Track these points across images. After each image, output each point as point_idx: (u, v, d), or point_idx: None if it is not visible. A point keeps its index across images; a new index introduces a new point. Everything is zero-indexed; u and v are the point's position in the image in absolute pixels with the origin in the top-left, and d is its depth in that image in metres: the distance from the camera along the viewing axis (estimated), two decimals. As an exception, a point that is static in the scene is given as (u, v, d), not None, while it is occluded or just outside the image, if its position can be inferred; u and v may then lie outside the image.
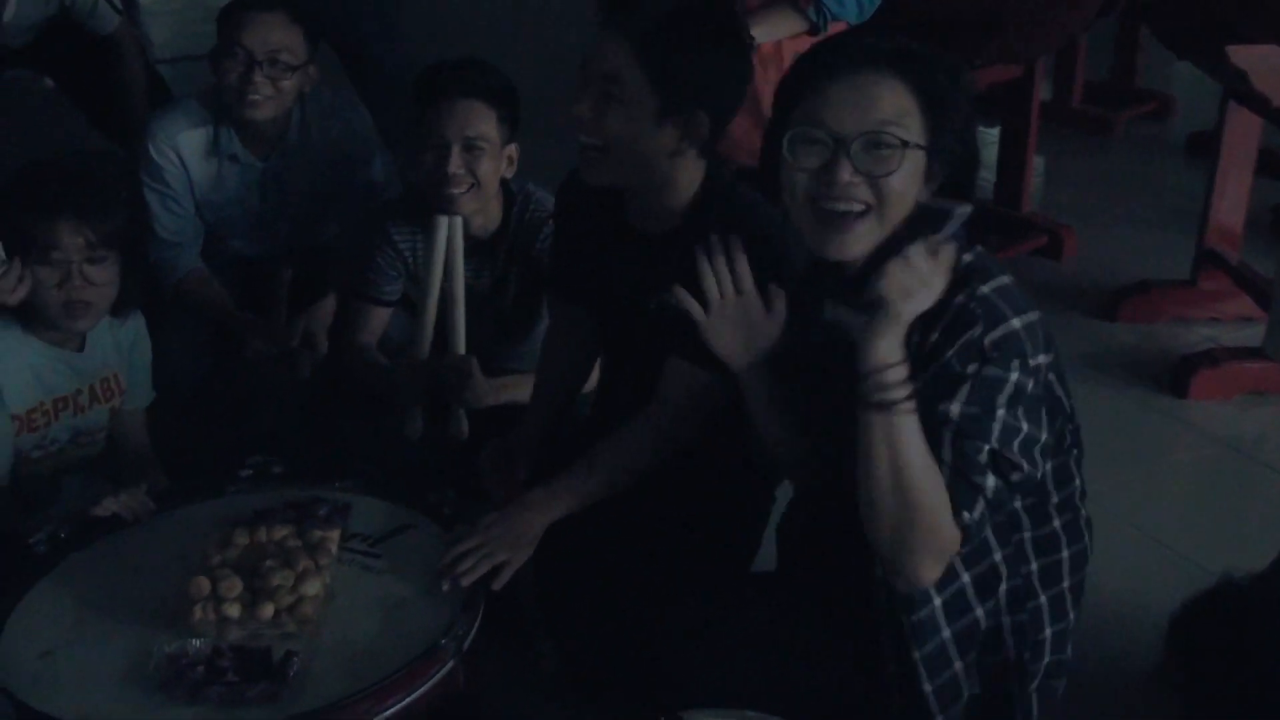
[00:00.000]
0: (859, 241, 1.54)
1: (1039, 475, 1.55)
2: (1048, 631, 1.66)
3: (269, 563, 1.75)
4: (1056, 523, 1.66)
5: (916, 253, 1.47)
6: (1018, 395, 1.48)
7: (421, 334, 2.47)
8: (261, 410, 2.64)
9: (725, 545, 2.04)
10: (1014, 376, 1.47)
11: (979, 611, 1.60)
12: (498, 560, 1.79)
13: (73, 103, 3.68)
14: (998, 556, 1.60)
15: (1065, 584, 1.68)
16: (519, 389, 2.38)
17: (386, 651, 1.65)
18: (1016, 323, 1.48)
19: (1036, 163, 4.30)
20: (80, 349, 2.30)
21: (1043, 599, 1.66)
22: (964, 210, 1.53)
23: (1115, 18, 5.01)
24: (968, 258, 1.54)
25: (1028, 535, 1.64)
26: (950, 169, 1.55)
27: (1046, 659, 1.67)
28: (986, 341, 1.47)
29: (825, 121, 1.51)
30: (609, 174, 1.89)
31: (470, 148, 2.34)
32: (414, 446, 2.42)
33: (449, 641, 1.66)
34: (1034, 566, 1.65)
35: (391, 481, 2.02)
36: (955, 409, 1.48)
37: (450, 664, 1.66)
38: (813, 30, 2.61)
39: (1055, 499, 1.65)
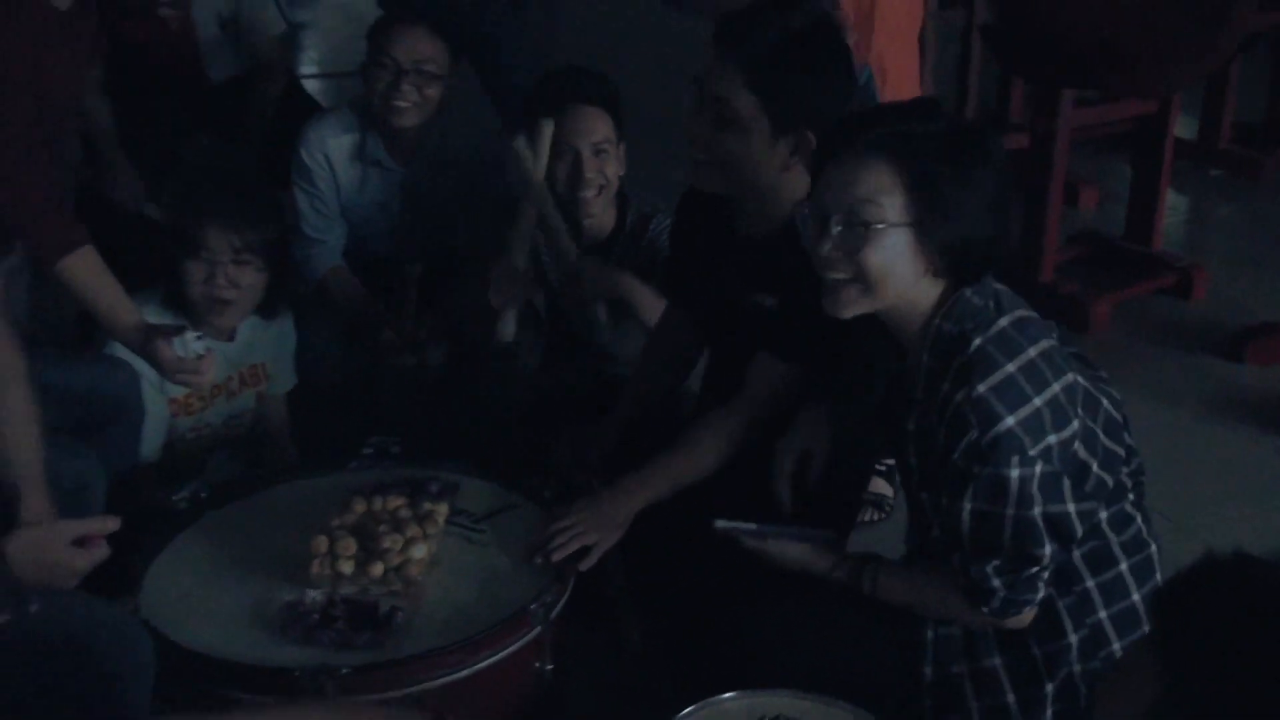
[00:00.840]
0: (848, 306, 1.67)
1: (1070, 548, 1.67)
2: (1115, 646, 1.74)
3: (382, 528, 1.95)
4: (1123, 565, 1.74)
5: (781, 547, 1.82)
6: (1024, 487, 1.57)
7: (520, 240, 2.59)
8: (388, 395, 2.84)
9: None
10: (1014, 474, 1.57)
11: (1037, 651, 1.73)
12: (588, 540, 1.94)
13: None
14: (1059, 604, 1.72)
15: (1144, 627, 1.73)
16: (634, 293, 2.52)
17: (479, 613, 1.83)
18: (1011, 421, 1.55)
19: (1178, 202, 4.30)
20: (231, 339, 2.55)
21: (1115, 646, 1.73)
22: (829, 535, 1.85)
23: (1269, 56, 4.97)
24: (977, 343, 1.60)
25: (1091, 584, 1.73)
26: (950, 247, 1.61)
27: None
28: (983, 444, 1.57)
29: (818, 198, 1.66)
30: (721, 184, 2.05)
31: (599, 152, 2.53)
32: (519, 434, 2.56)
33: (537, 608, 1.82)
34: (1103, 615, 1.73)
35: (498, 465, 2.20)
36: (968, 506, 1.61)
37: (536, 630, 1.83)
38: None
39: (1117, 541, 1.74)
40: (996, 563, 1.63)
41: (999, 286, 1.69)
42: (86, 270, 2.28)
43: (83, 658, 1.65)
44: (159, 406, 2.47)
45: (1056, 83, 3.59)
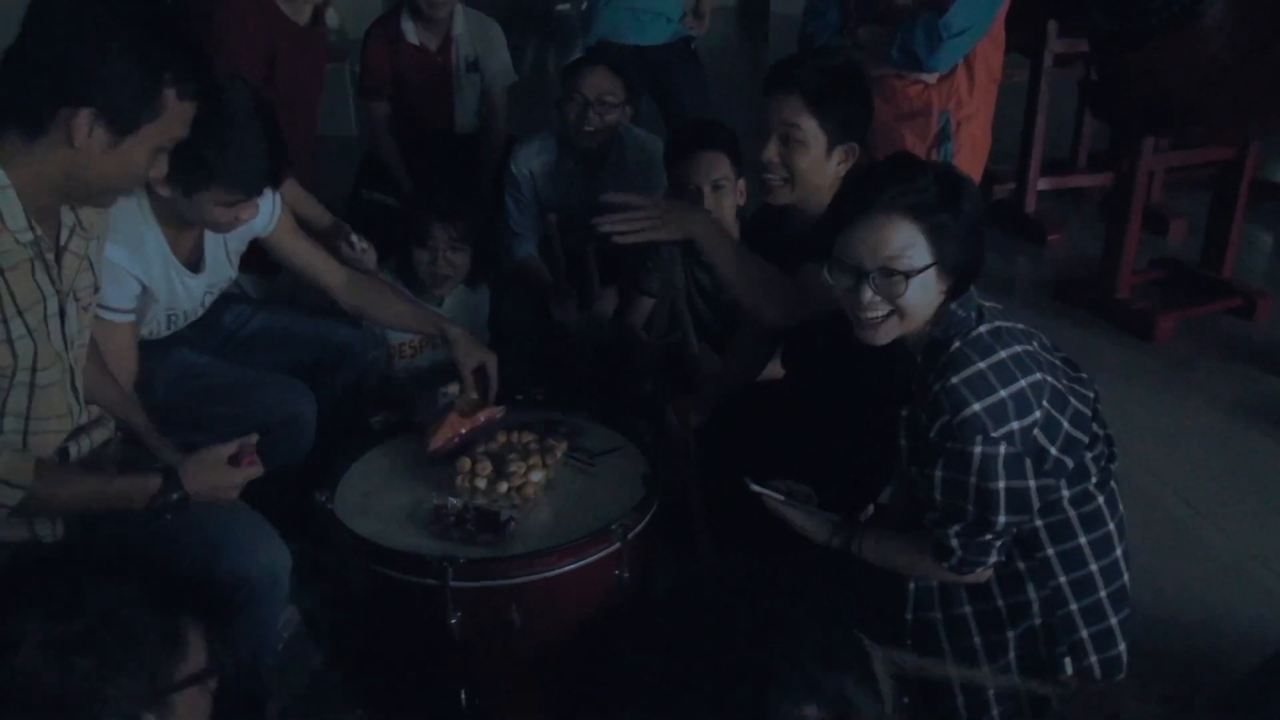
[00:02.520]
0: (887, 335, 1.64)
1: (1033, 520, 1.60)
2: (1074, 607, 1.65)
3: (512, 455, 2.00)
4: (1082, 539, 1.65)
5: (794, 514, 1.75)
6: (985, 462, 1.53)
7: (658, 325, 2.66)
8: (555, 353, 2.90)
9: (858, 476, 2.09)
10: (977, 450, 1.53)
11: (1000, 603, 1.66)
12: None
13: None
14: (1021, 566, 1.65)
15: (1101, 593, 1.66)
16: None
17: (573, 528, 1.85)
18: (976, 407, 1.52)
19: (1259, 237, 3.95)
20: (439, 305, 2.66)
21: (1073, 606, 1.65)
22: (834, 517, 1.76)
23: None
24: (956, 345, 1.57)
25: (1050, 552, 1.64)
26: (959, 269, 1.59)
27: (1081, 633, 1.66)
28: (953, 424, 1.53)
29: (846, 257, 1.61)
30: (791, 196, 2.03)
31: (716, 188, 2.50)
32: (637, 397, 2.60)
33: (618, 527, 1.83)
34: (1062, 579, 1.65)
35: (615, 416, 2.21)
36: (939, 475, 1.57)
37: (616, 545, 1.83)
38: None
39: (1076, 515, 1.64)
40: (957, 527, 1.59)
41: (983, 302, 1.65)
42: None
43: (210, 558, 1.67)
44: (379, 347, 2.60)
45: (1142, 132, 3.33)
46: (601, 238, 3.04)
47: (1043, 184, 4.50)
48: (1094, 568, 1.64)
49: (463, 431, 2.09)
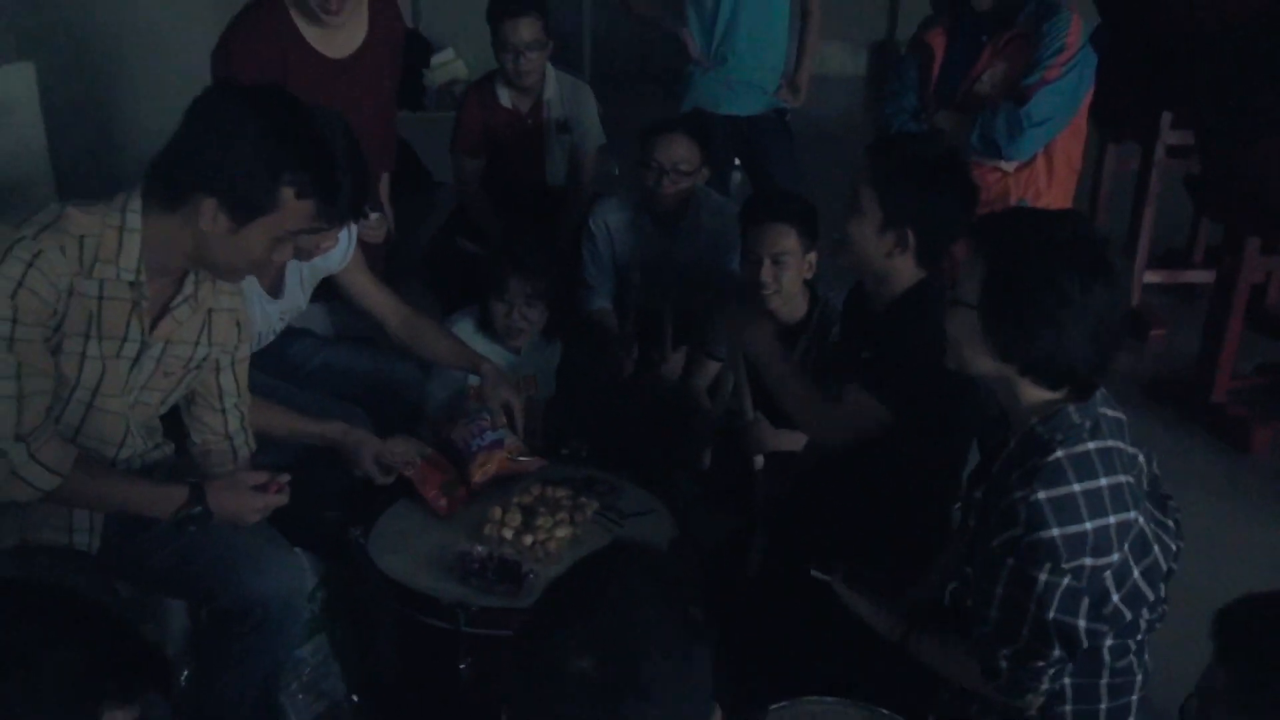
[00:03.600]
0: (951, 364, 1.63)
1: (1075, 655, 1.51)
2: None
3: (542, 509, 2.06)
4: (1104, 690, 1.58)
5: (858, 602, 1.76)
6: (1047, 591, 1.44)
7: (719, 397, 2.67)
8: (614, 410, 2.96)
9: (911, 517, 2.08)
10: (1042, 578, 1.43)
11: None
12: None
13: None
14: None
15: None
16: (788, 440, 2.52)
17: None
18: (1055, 532, 1.42)
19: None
20: (516, 353, 2.76)
21: None
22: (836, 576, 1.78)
23: None
24: (1058, 455, 1.45)
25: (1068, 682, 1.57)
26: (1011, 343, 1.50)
27: None
28: (1023, 542, 1.44)
29: None
30: (846, 262, 2.07)
31: (776, 261, 2.53)
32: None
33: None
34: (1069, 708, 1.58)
35: (656, 478, 2.26)
36: (1000, 592, 1.49)
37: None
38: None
39: (1108, 668, 1.57)
40: (1008, 650, 1.51)
41: (1110, 413, 1.53)
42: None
43: (227, 575, 1.77)
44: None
45: (1245, 230, 3.23)
46: (677, 299, 3.16)
47: (1153, 277, 4.37)
48: (1102, 706, 1.57)
49: (507, 472, 2.18)
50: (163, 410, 1.87)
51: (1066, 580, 1.43)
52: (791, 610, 2.01)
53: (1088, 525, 1.42)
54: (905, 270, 2.00)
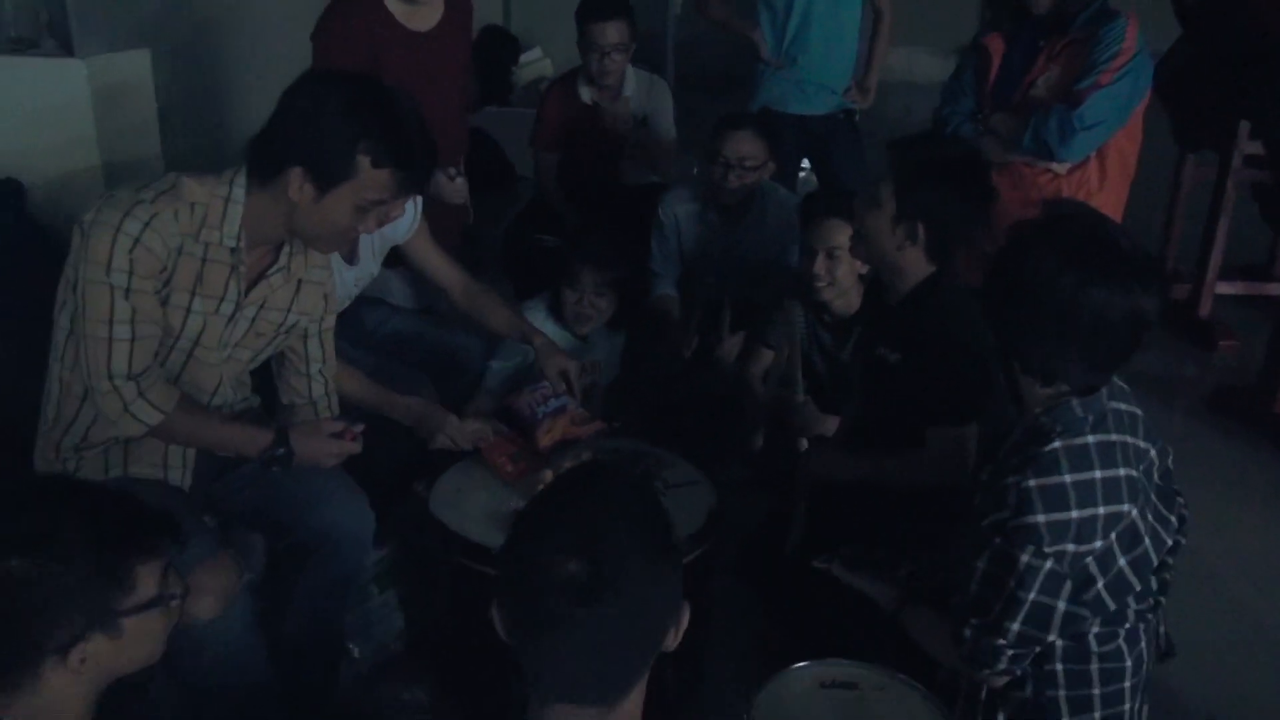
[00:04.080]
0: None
1: (1049, 638, 1.56)
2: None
3: (592, 474, 2.21)
4: (1093, 668, 1.62)
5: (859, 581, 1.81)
6: (1028, 573, 1.49)
7: (773, 378, 2.79)
8: (673, 394, 3.09)
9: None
10: (1024, 559, 1.48)
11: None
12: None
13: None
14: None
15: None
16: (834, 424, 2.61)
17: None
18: (1041, 518, 1.47)
19: None
20: (584, 340, 2.91)
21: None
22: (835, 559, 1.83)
23: None
24: (1055, 445, 1.50)
25: (1059, 668, 1.62)
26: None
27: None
28: (1008, 525, 1.50)
29: None
30: (861, 254, 2.18)
31: (831, 255, 2.62)
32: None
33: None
34: (1062, 693, 1.63)
35: (700, 455, 2.38)
36: (980, 567, 1.55)
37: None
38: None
39: (1095, 654, 1.62)
40: (976, 621, 1.58)
41: (1123, 407, 1.57)
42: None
43: (303, 510, 1.96)
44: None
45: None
46: (738, 288, 3.27)
47: (1227, 288, 4.35)
48: (1095, 692, 1.63)
49: (571, 436, 2.34)
50: (252, 366, 2.06)
51: (1048, 564, 1.49)
52: (827, 586, 2.11)
53: (1073, 514, 1.47)
54: (916, 263, 2.07)
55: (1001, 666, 1.58)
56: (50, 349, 1.90)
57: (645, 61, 3.75)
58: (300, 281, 2.02)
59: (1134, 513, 1.54)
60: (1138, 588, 1.59)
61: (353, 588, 2.12)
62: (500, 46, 5.92)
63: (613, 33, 3.42)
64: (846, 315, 2.75)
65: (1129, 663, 1.64)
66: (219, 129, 3.18)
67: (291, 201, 1.81)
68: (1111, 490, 1.50)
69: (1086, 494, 1.49)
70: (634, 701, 1.20)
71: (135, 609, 1.30)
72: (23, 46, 2.39)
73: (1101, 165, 2.64)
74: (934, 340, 1.87)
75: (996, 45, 2.70)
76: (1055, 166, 2.64)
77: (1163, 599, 1.69)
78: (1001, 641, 1.56)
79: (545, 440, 2.32)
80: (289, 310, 2.02)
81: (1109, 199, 2.67)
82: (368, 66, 2.58)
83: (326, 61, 2.58)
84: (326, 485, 1.97)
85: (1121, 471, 1.52)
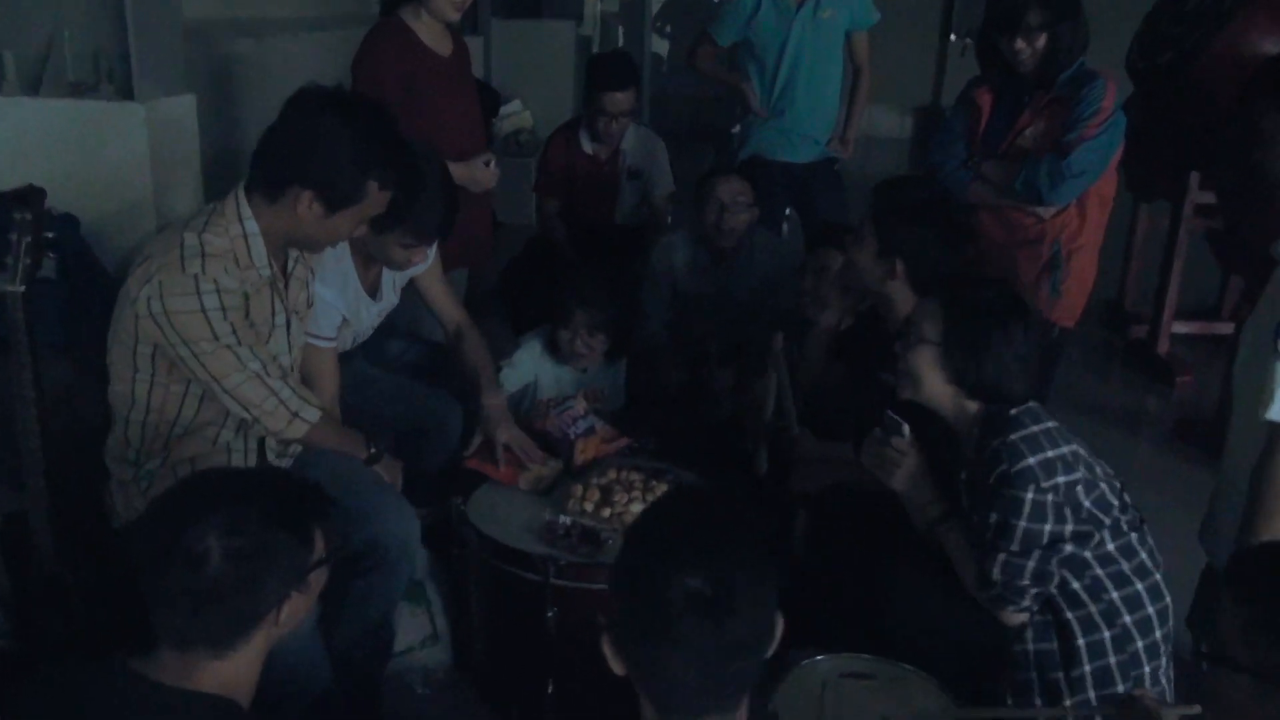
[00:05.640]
0: (902, 391, 2.03)
1: (1066, 550, 1.86)
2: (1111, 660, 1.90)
3: (618, 488, 2.35)
4: (1139, 585, 1.92)
5: (886, 450, 2.01)
6: (1036, 508, 1.84)
7: (768, 402, 2.90)
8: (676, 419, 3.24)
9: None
10: (1029, 496, 1.83)
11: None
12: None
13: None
14: (1094, 609, 1.90)
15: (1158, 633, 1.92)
16: (831, 450, 2.77)
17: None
18: (1031, 460, 1.84)
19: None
20: (584, 371, 3.05)
21: (1139, 644, 1.91)
22: (906, 427, 1.99)
23: None
24: (1013, 412, 1.89)
25: (1115, 595, 1.90)
26: (965, 372, 1.91)
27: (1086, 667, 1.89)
28: (1010, 473, 1.84)
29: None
30: (850, 283, 2.44)
31: (819, 273, 2.82)
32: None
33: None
34: (1127, 619, 1.90)
35: (717, 475, 2.53)
36: (994, 516, 1.88)
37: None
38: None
39: (1128, 566, 1.91)
40: (1002, 557, 1.85)
41: (1049, 424, 1.94)
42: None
43: (360, 519, 2.06)
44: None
45: (1257, 283, 3.47)
46: (728, 326, 3.44)
47: (1182, 328, 4.62)
48: (1150, 610, 1.91)
49: (602, 454, 2.53)
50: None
51: (1049, 497, 1.83)
52: (835, 583, 2.28)
53: (1050, 453, 1.85)
54: (903, 294, 2.32)
55: (1025, 604, 1.87)
56: (114, 397, 2.01)
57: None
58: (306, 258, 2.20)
59: (1084, 457, 1.91)
60: (1115, 502, 1.92)
61: (401, 593, 2.23)
62: (481, 99, 6.09)
63: (623, 101, 3.64)
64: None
65: (1158, 576, 1.94)
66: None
67: (297, 217, 1.96)
68: (1062, 437, 1.90)
69: (1051, 438, 1.87)
70: (743, 708, 1.27)
71: (317, 564, 1.44)
72: (82, 90, 2.53)
73: (1082, 209, 2.87)
74: None
75: (985, 98, 2.94)
76: (1041, 211, 2.87)
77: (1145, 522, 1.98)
78: (1025, 581, 1.85)
79: (580, 459, 2.48)
80: (308, 285, 2.20)
81: (1089, 239, 2.90)
82: (402, 87, 2.78)
83: (367, 87, 2.75)
84: (374, 494, 2.11)
85: (1055, 435, 1.90)
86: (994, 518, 1.86)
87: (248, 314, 1.99)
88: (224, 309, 1.91)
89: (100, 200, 2.50)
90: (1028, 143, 2.87)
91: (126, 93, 2.53)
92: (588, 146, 3.83)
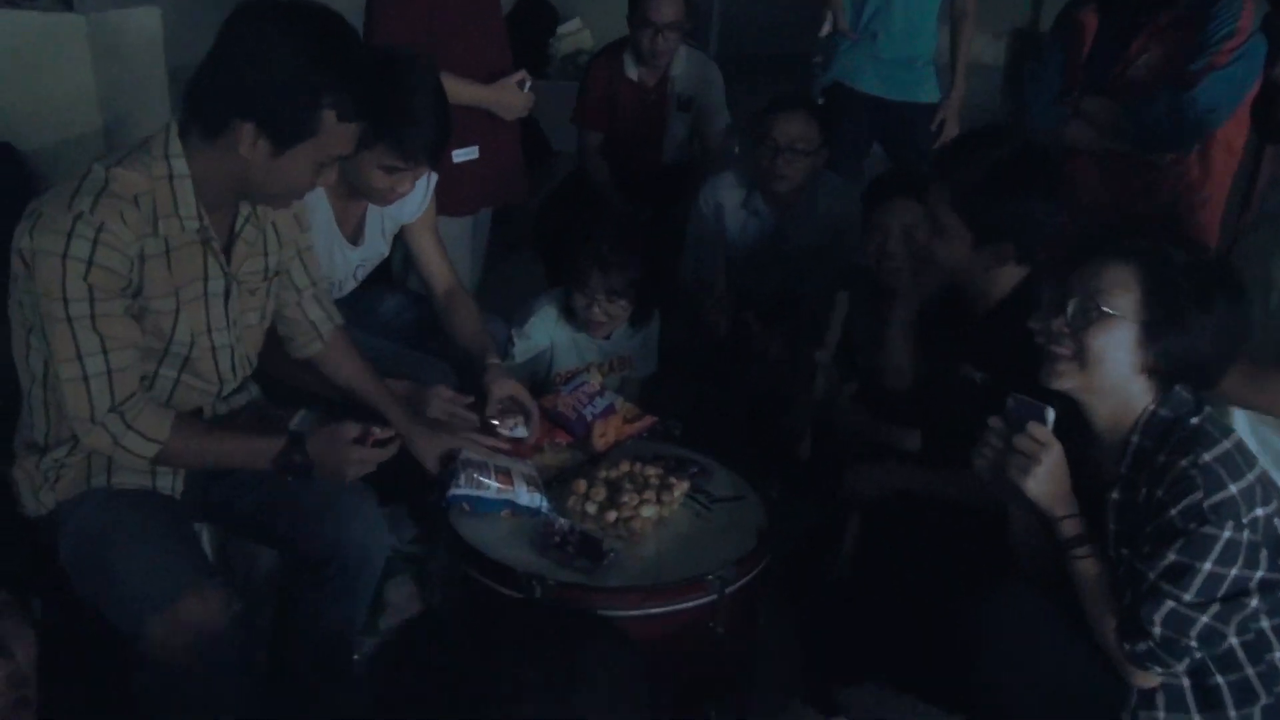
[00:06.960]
0: (1061, 379, 1.59)
1: (1250, 605, 1.52)
2: None
3: (629, 486, 1.98)
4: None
5: (1020, 440, 1.57)
6: (1229, 549, 1.48)
7: (820, 377, 2.52)
8: (714, 395, 2.86)
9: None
10: (1226, 535, 1.48)
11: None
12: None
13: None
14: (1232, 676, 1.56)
15: None
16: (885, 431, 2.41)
17: (671, 571, 1.81)
18: (1234, 489, 1.48)
19: None
20: (607, 338, 2.65)
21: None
22: (1051, 412, 1.57)
23: None
24: (1194, 421, 1.54)
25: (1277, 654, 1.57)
26: (1170, 356, 1.54)
27: None
28: (1206, 505, 1.47)
29: (1064, 284, 1.59)
30: (933, 283, 2.02)
31: (905, 234, 2.40)
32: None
33: (714, 579, 1.77)
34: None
35: (741, 462, 2.16)
36: (1171, 557, 1.50)
37: (711, 596, 1.77)
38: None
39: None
40: (1169, 605, 1.50)
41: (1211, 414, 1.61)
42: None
43: (311, 525, 1.77)
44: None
45: None
46: (780, 280, 3.03)
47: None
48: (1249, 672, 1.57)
49: (625, 436, 2.16)
50: (266, 325, 1.87)
51: (1246, 535, 1.48)
52: (884, 600, 1.93)
53: (1249, 476, 1.50)
54: (1008, 274, 1.92)
55: (1180, 667, 1.54)
56: (20, 369, 1.70)
57: (687, 38, 3.52)
58: (273, 223, 1.81)
59: (1264, 469, 1.57)
60: None
61: (365, 602, 1.91)
62: (537, 17, 5.70)
63: (669, 9, 3.23)
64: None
65: None
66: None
67: (242, 158, 1.58)
68: (1248, 452, 1.55)
69: (1244, 455, 1.52)
70: None
71: None
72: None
73: (1205, 157, 2.39)
74: (1030, 359, 1.64)
75: (1090, 19, 2.44)
76: (1155, 158, 2.38)
77: None
78: (1189, 641, 1.51)
79: (601, 444, 2.13)
80: (267, 253, 1.81)
81: (1214, 192, 2.42)
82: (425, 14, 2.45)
83: (384, 19, 2.43)
84: (334, 493, 1.77)
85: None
86: (1172, 558, 1.49)
87: (175, 274, 1.63)
88: (90, 263, 1.53)
89: (41, 129, 2.16)
90: (1141, 73, 2.40)
91: (66, 2, 2.17)
92: (632, 71, 3.42)
